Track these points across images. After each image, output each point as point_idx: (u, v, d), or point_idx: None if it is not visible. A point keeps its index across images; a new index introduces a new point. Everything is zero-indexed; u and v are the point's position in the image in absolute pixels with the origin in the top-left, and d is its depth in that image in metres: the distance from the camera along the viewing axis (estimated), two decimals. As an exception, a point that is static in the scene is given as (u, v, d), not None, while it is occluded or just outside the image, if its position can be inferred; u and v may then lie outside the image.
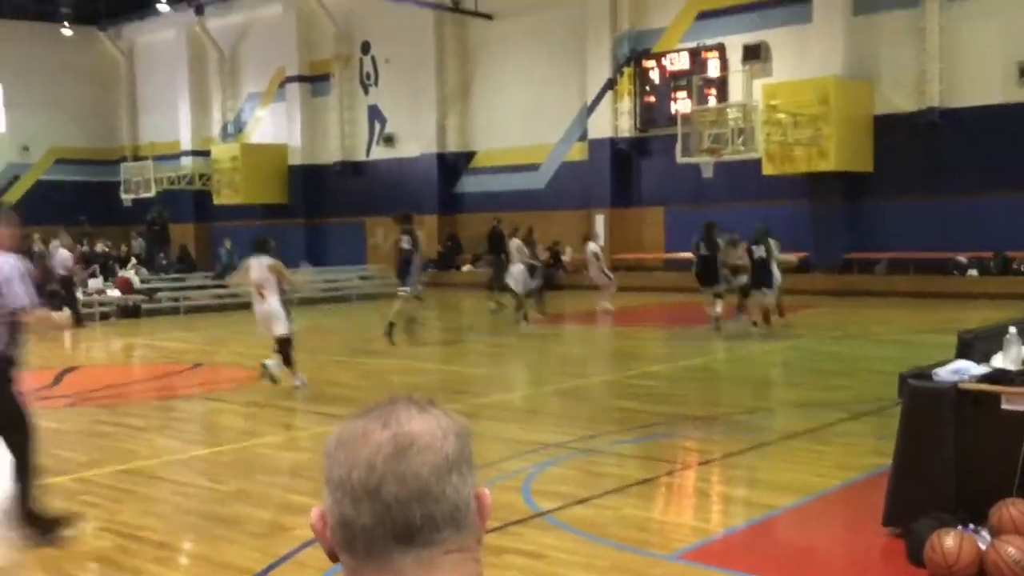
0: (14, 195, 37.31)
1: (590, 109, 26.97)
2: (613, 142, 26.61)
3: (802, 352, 13.89)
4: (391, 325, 15.04)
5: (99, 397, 11.29)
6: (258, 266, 10.98)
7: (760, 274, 15.42)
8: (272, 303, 10.90)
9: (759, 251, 15.41)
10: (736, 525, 6.00)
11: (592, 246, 19.75)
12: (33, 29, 36.12)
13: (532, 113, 28.14)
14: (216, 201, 34.13)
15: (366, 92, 32.57)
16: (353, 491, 1.13)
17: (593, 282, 19.99)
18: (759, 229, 15.71)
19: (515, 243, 18.55)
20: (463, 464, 1.17)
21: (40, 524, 5.64)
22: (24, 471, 5.68)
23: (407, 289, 15.29)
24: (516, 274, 18.04)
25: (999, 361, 5.46)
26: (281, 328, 10.88)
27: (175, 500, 6.79)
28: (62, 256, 19.84)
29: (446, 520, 1.14)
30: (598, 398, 10.79)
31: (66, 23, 35.77)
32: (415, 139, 30.86)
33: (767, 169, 22.63)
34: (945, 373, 5.38)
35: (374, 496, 1.13)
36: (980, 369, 5.36)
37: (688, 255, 22.75)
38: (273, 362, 10.88)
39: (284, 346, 10.90)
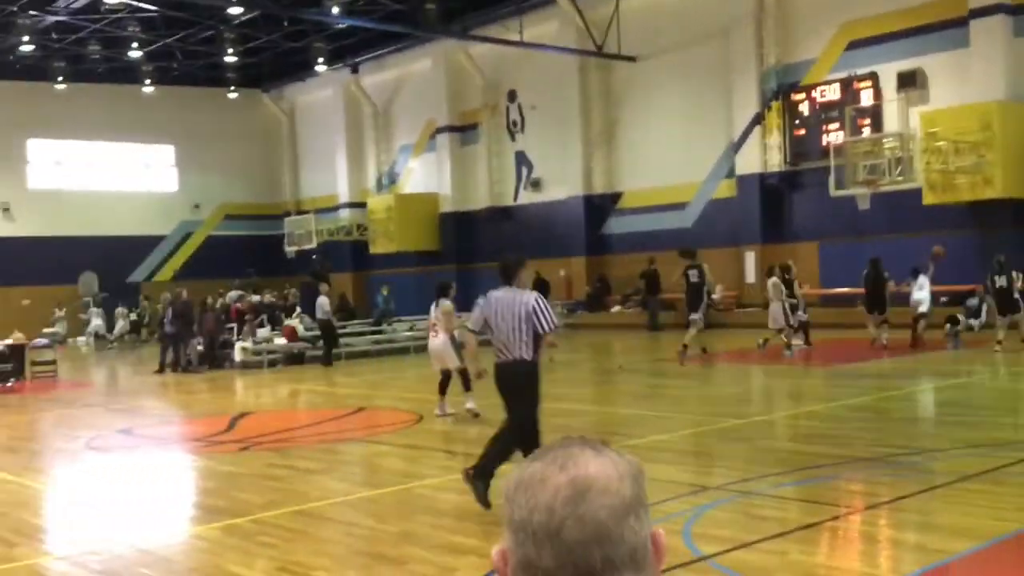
0: (187, 251, 39.82)
1: (737, 145, 26.67)
2: (762, 177, 26.19)
3: (973, 390, 13.23)
4: (684, 347, 17.33)
5: (270, 441, 11.83)
6: (434, 308, 12.82)
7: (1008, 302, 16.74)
8: (442, 340, 12.63)
9: (1001, 280, 16.81)
10: (909, 572, 5.77)
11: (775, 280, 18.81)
12: (201, 94, 38.68)
13: (678, 152, 28.04)
14: (372, 250, 35.38)
15: (513, 139, 33.22)
16: (535, 534, 1.17)
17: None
18: (1000, 260, 16.83)
19: (772, 281, 18.37)
20: (639, 506, 1.21)
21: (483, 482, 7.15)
22: (507, 446, 7.36)
23: (697, 317, 17.70)
24: (774, 312, 18.14)
25: None
26: (452, 362, 12.59)
27: (345, 541, 7.06)
28: (322, 302, 22.03)
29: (624, 562, 1.18)
30: (757, 439, 10.59)
31: (232, 87, 38.12)
32: (562, 182, 31.20)
33: (928, 199, 21.78)
34: None
35: (555, 539, 1.17)
36: None
37: (845, 290, 22.11)
38: (472, 404, 12.15)
39: (463, 375, 12.30)
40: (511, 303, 7.47)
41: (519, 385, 7.51)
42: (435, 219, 35.10)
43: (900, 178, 21.57)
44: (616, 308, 28.63)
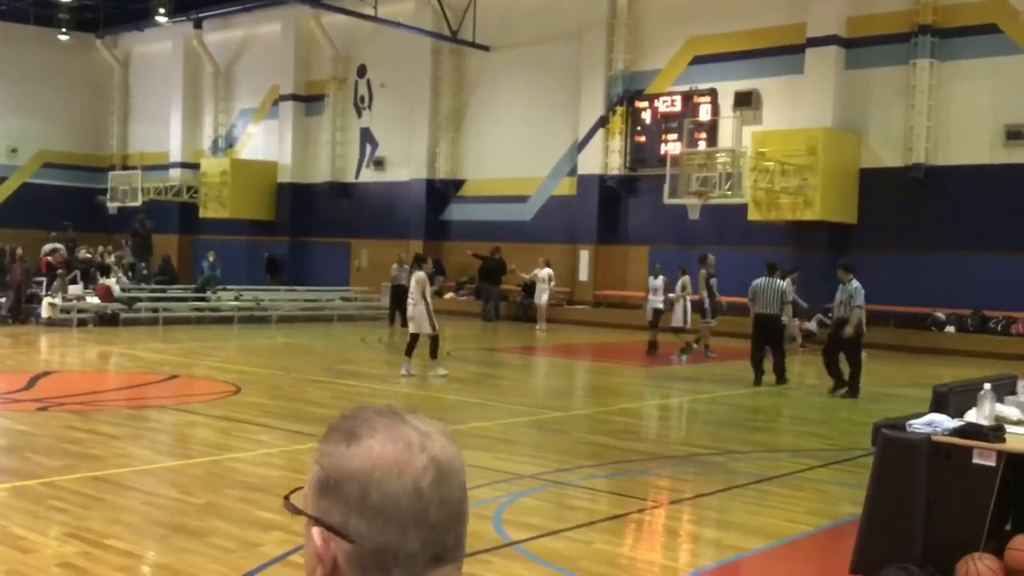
0: (-1, 196, 37.22)
1: (581, 145, 27.16)
2: (602, 179, 26.78)
3: (779, 399, 13.96)
4: (699, 345, 18.10)
5: (72, 403, 11.20)
6: (411, 278, 14.22)
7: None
8: (420, 309, 13.77)
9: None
10: (705, 566, 6.00)
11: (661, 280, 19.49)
12: (30, 33, 36.11)
13: (523, 145, 28.32)
14: (202, 214, 34.06)
15: (359, 115, 32.71)
16: (401, 518, 1.12)
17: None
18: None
19: (683, 279, 18.61)
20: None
21: None
22: None
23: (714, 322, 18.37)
24: (677, 312, 18.50)
25: (972, 416, 5.52)
26: (428, 328, 13.77)
27: (144, 510, 6.74)
28: None
29: (464, 537, 1.18)
30: (574, 432, 10.80)
31: (64, 29, 35.81)
32: (405, 164, 30.96)
33: (753, 215, 22.83)
34: (919, 425, 5.43)
35: (422, 522, 1.12)
36: (953, 423, 5.41)
37: (671, 295, 22.92)
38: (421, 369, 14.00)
39: (434, 343, 13.92)
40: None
41: None
42: (272, 188, 34.12)
43: (729, 192, 22.47)
44: (450, 295, 28.67)
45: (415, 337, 14.01)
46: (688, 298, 18.57)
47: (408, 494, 1.12)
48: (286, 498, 1.21)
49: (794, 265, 19.67)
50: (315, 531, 1.14)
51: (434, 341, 13.98)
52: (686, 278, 18.72)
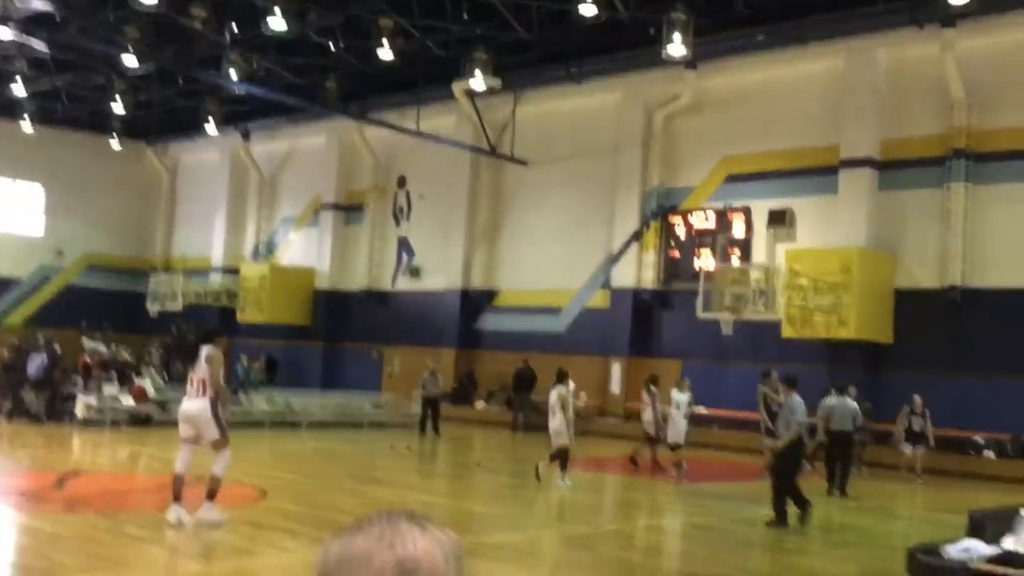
0: (42, 297, 38.01)
1: (615, 259, 27.37)
2: (636, 292, 26.87)
3: (815, 521, 13.62)
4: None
5: (100, 504, 11.19)
6: (553, 392, 14.93)
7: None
8: (559, 420, 14.55)
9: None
10: None
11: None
12: (83, 139, 37.46)
13: (558, 258, 28.58)
14: (240, 318, 34.49)
15: (397, 224, 33.28)
16: None
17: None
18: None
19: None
20: None
21: None
22: None
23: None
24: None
25: (1010, 544, 5.38)
26: (564, 440, 14.62)
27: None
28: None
29: None
30: (602, 548, 10.58)
31: (115, 136, 37.09)
32: (441, 273, 31.30)
33: (787, 332, 22.70)
34: (954, 551, 5.30)
35: None
36: (989, 549, 5.27)
37: (703, 410, 22.70)
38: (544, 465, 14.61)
39: (566, 455, 14.75)
40: None
41: None
42: (309, 294, 34.58)
43: (762, 309, 22.48)
44: (480, 404, 28.57)
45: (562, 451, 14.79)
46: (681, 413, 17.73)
47: None
48: None
49: (766, 370, 18.13)
50: None
51: (564, 453, 14.82)
52: (687, 394, 18.06)
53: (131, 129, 37.54)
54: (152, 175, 40.98)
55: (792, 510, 12.05)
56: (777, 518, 11.90)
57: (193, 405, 9.59)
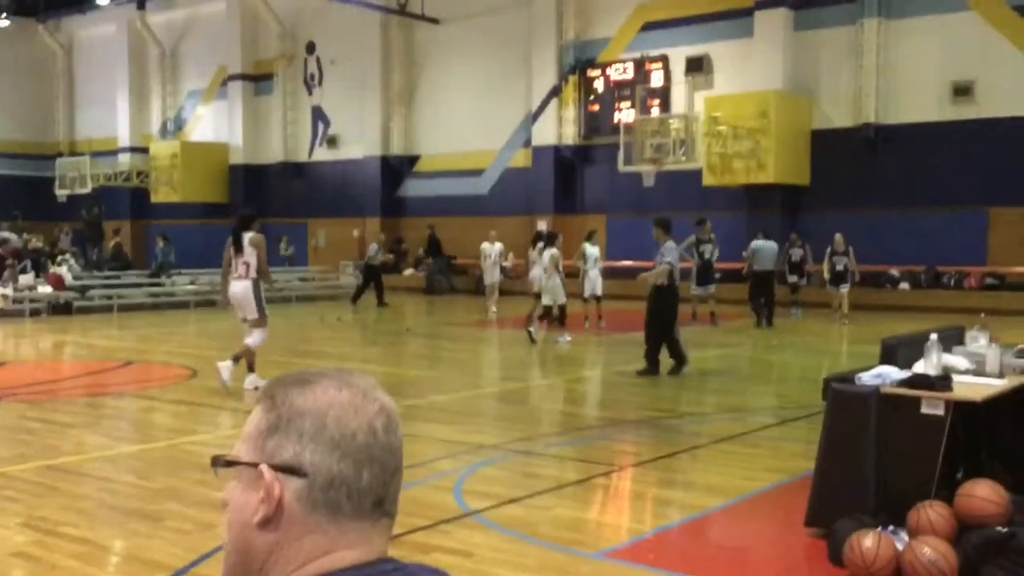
0: (-57, 187, 36.42)
1: (535, 116, 27.08)
2: (557, 150, 26.74)
3: (735, 360, 14.08)
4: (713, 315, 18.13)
5: (26, 393, 11.02)
6: (545, 254, 15.61)
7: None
8: (555, 281, 15.54)
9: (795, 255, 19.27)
10: (666, 525, 6.05)
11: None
12: (-33, 18, 35.25)
13: (477, 119, 28.18)
14: (154, 199, 33.59)
15: (310, 93, 32.34)
16: (357, 452, 1.12)
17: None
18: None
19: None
20: None
21: None
22: None
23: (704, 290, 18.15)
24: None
25: (920, 367, 5.59)
26: (561, 298, 15.72)
27: (99, 496, 6.65)
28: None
29: (399, 494, 1.19)
30: (536, 401, 10.82)
31: (3, 14, 34.95)
32: (359, 141, 30.69)
33: (707, 180, 22.93)
34: (868, 378, 5.50)
35: (374, 460, 1.13)
36: (902, 374, 5.48)
37: (628, 262, 23.08)
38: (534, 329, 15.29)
39: (562, 311, 15.94)
40: None
41: None
42: (224, 170, 33.69)
43: (683, 159, 22.59)
44: (409, 271, 28.56)
45: (548, 308, 15.61)
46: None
47: (364, 431, 1.13)
48: (214, 460, 1.18)
49: (701, 218, 18.61)
50: (264, 471, 1.11)
51: (562, 309, 15.83)
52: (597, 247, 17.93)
53: (19, 5, 35.36)
54: (45, 53, 38.93)
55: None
56: (649, 366, 11.74)
57: (239, 286, 10.53)
